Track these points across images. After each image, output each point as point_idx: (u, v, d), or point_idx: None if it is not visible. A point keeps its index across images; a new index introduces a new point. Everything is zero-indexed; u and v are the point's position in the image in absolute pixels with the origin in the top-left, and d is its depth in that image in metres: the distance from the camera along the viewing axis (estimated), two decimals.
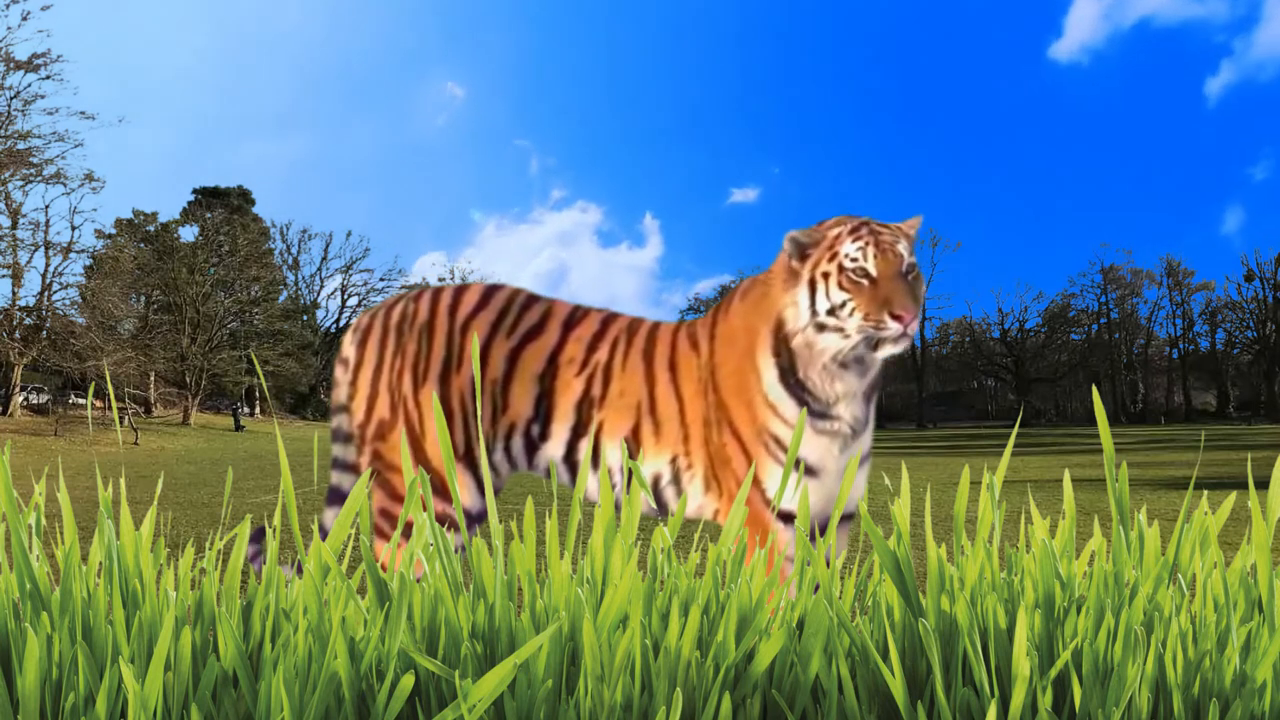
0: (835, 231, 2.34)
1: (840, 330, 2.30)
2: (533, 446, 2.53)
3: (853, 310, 2.27)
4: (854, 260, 2.29)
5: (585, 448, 2.48)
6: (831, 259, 2.31)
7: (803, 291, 2.33)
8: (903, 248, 2.31)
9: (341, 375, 2.64)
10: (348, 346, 2.65)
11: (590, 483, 2.50)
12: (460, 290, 2.66)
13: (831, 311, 2.30)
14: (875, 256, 2.28)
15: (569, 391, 2.50)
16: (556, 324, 2.57)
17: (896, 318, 2.24)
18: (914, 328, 2.28)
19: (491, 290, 2.65)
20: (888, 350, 2.30)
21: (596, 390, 2.49)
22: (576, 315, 2.60)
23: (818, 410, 2.36)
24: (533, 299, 2.63)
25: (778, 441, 2.37)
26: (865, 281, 2.27)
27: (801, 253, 2.35)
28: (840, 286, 2.29)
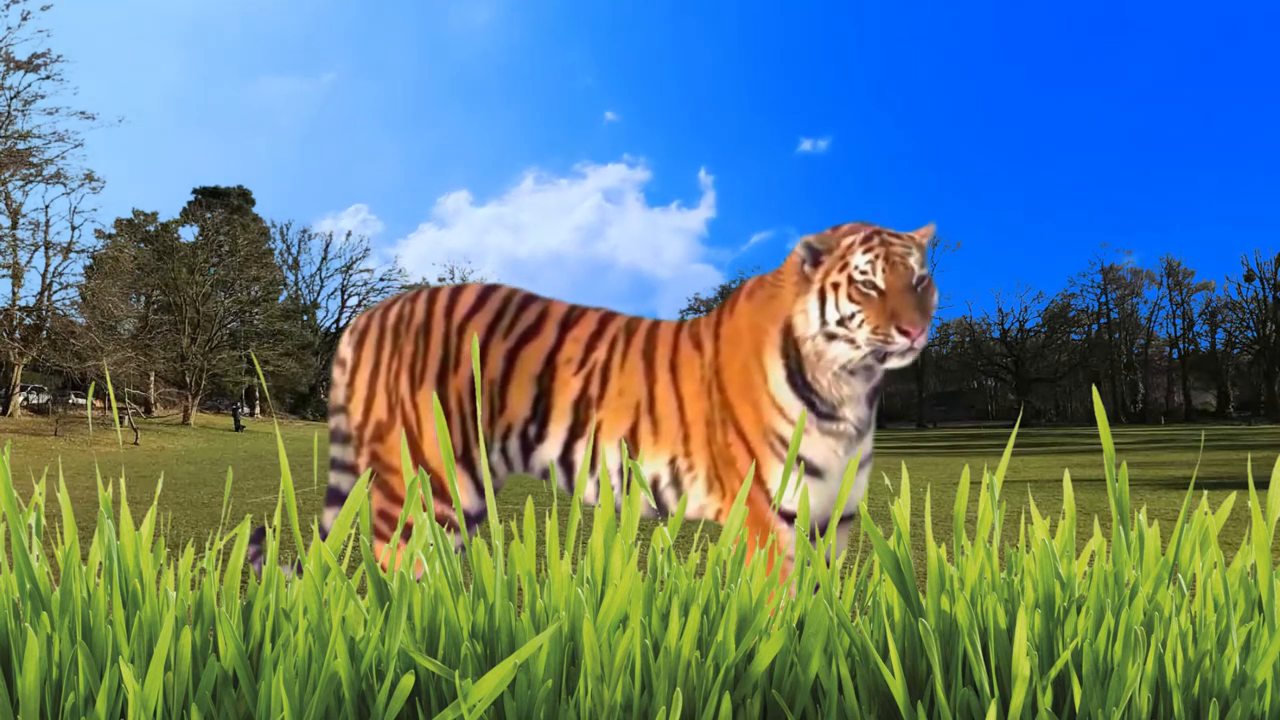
0: (848, 241, 2.33)
1: (849, 340, 2.30)
2: (529, 447, 2.52)
3: (861, 322, 2.28)
4: (864, 272, 2.29)
5: (581, 448, 2.48)
6: (842, 269, 2.31)
7: (813, 300, 2.34)
8: (914, 260, 2.31)
9: (339, 377, 2.64)
10: (345, 348, 2.65)
11: (588, 485, 2.50)
12: (457, 291, 2.66)
13: (841, 322, 2.30)
14: (885, 269, 2.28)
15: (566, 391, 2.50)
16: (553, 324, 2.57)
17: (904, 333, 2.25)
18: (922, 341, 2.28)
19: (488, 291, 2.65)
20: (895, 363, 2.31)
21: (594, 390, 2.49)
22: (573, 315, 2.60)
23: (824, 412, 2.37)
24: (529, 299, 2.63)
25: (783, 442, 2.37)
26: (874, 294, 2.28)
27: (815, 259, 2.35)
28: (850, 298, 2.30)
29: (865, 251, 2.30)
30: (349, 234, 57.20)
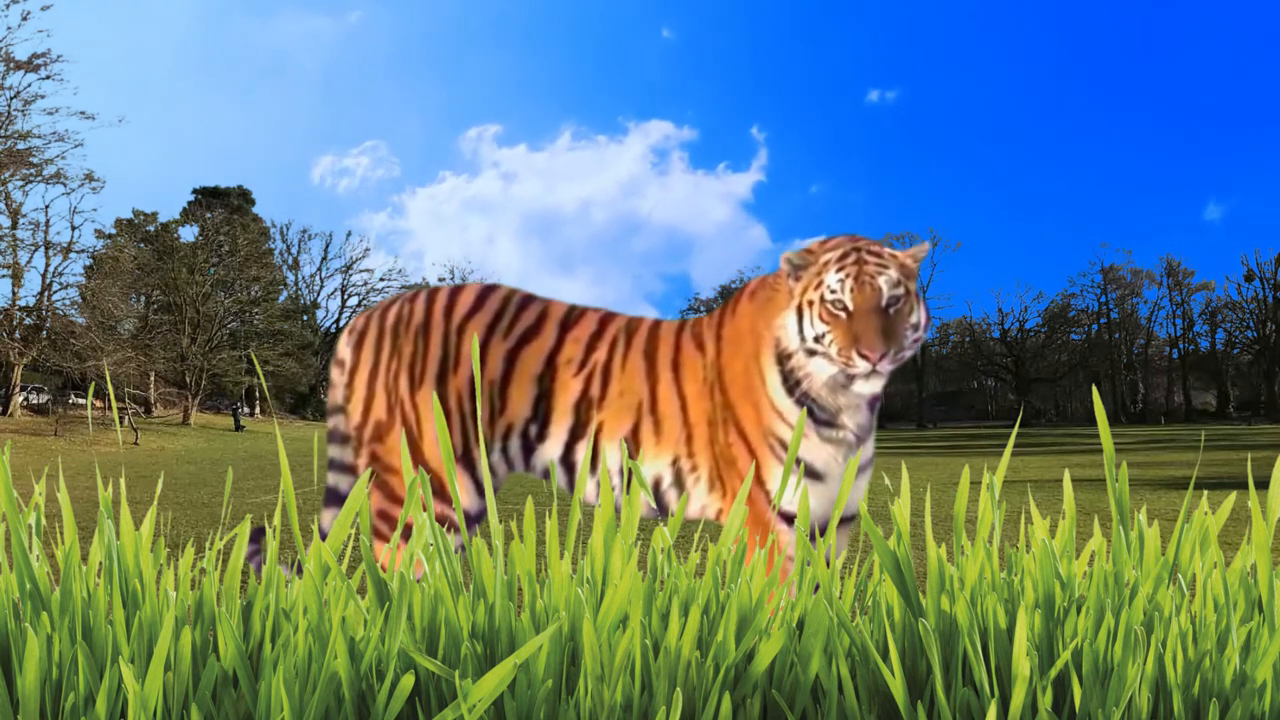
0: (826, 258, 2.34)
1: (827, 358, 2.31)
2: (530, 448, 2.52)
3: (831, 342, 2.29)
4: (833, 292, 2.29)
5: (582, 449, 2.48)
6: (816, 288, 2.32)
7: (791, 316, 2.35)
8: (884, 280, 2.28)
9: (338, 377, 2.64)
10: (344, 348, 2.65)
11: (589, 485, 2.50)
12: (456, 291, 2.66)
13: (818, 339, 2.31)
14: (853, 290, 2.28)
15: (567, 392, 2.50)
16: (553, 324, 2.57)
17: (864, 357, 2.24)
18: (887, 365, 2.26)
19: (487, 291, 2.65)
20: (861, 385, 2.29)
21: (595, 390, 2.49)
22: (573, 315, 2.60)
23: (823, 419, 2.37)
24: (529, 299, 2.63)
25: (782, 444, 2.37)
26: (842, 315, 2.28)
27: (795, 274, 2.36)
28: (821, 318, 2.31)
29: (838, 270, 2.30)
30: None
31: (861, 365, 2.25)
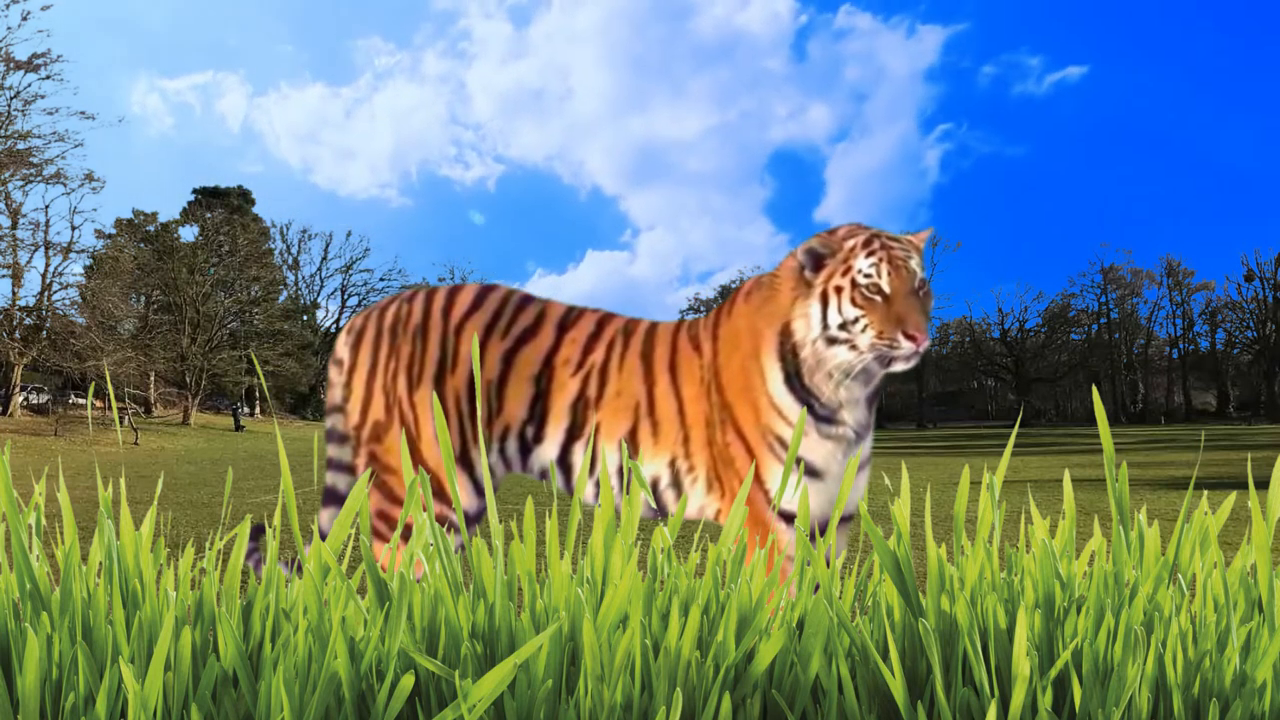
0: (850, 244, 2.32)
1: (851, 345, 2.28)
2: (527, 449, 2.52)
3: (865, 327, 2.26)
4: (867, 276, 2.27)
5: (580, 449, 2.47)
6: (845, 273, 2.29)
7: (814, 304, 2.32)
8: (915, 263, 2.30)
9: (336, 377, 2.64)
10: (342, 348, 2.65)
11: (588, 486, 2.49)
12: (454, 291, 2.65)
13: (843, 326, 2.28)
14: (889, 273, 2.27)
15: (564, 392, 2.50)
16: (551, 325, 2.57)
17: (910, 337, 2.24)
18: (925, 345, 2.27)
19: (486, 291, 2.64)
20: (899, 367, 2.29)
21: (592, 391, 2.49)
22: (571, 316, 2.59)
23: (824, 415, 2.36)
24: (527, 300, 2.63)
25: (782, 443, 2.36)
26: (878, 298, 2.26)
27: (816, 263, 2.33)
28: (853, 302, 2.28)
29: (868, 255, 2.29)
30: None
31: (907, 346, 2.24)
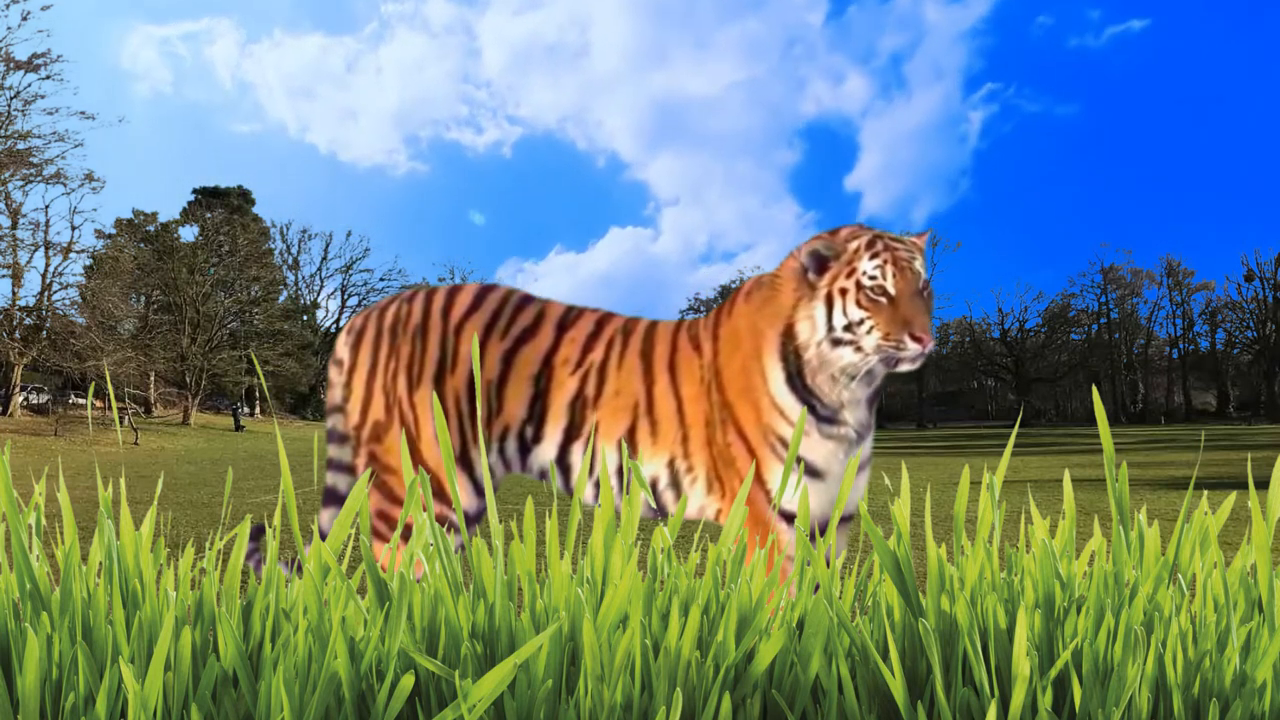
0: (854, 246, 2.31)
1: (856, 347, 2.28)
2: (526, 449, 2.52)
3: (871, 329, 2.26)
4: (873, 278, 2.27)
5: (578, 449, 2.47)
6: (849, 275, 2.29)
7: (819, 306, 2.31)
8: (919, 265, 2.30)
9: (336, 377, 2.64)
10: (342, 348, 2.65)
11: (587, 486, 2.49)
12: (454, 291, 2.65)
13: (849, 328, 2.28)
14: (894, 275, 2.27)
15: (563, 392, 2.49)
16: (550, 325, 2.56)
17: (917, 339, 2.24)
18: (931, 347, 2.27)
19: (485, 291, 2.64)
20: (905, 368, 2.30)
21: (590, 390, 2.49)
22: (570, 316, 2.59)
23: (825, 416, 2.35)
24: (526, 300, 2.63)
25: (783, 442, 2.36)
26: (884, 300, 2.26)
27: (819, 265, 2.33)
28: (858, 304, 2.28)
29: (872, 257, 2.28)
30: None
31: (913, 348, 2.24)
